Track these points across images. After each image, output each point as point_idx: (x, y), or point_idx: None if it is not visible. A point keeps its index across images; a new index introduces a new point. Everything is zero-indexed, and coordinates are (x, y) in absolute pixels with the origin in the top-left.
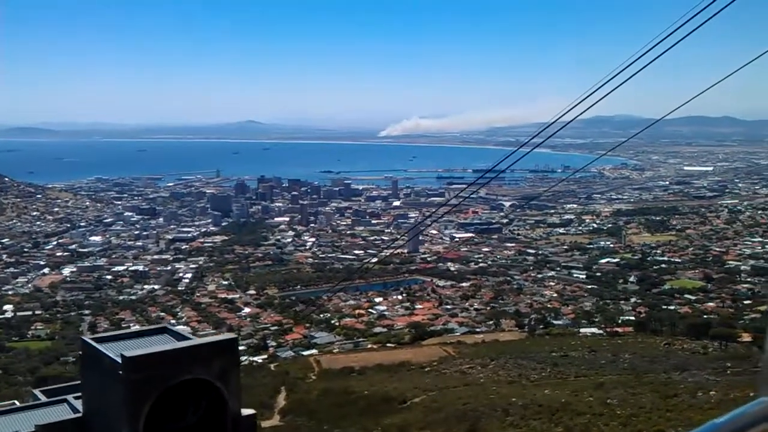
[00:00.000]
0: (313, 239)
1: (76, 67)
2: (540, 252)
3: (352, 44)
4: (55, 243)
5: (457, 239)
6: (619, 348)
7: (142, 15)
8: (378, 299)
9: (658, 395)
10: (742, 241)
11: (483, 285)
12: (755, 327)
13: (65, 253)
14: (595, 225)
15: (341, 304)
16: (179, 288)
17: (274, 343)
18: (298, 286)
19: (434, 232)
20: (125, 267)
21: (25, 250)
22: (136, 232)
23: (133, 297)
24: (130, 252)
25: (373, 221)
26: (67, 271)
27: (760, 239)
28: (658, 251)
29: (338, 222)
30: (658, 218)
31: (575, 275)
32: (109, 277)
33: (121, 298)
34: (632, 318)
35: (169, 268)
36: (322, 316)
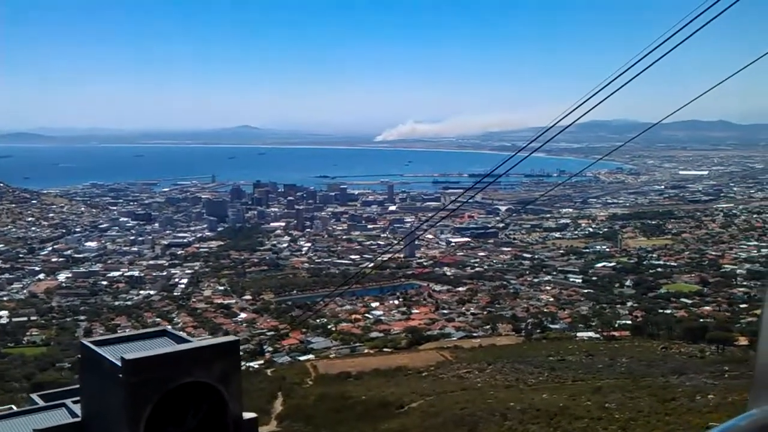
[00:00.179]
0: (309, 244)
1: (73, 72)
2: (536, 256)
3: (348, 49)
4: (50, 248)
5: (453, 244)
6: (616, 352)
7: (139, 21)
8: (374, 304)
9: (656, 399)
10: (737, 244)
11: (479, 289)
12: (752, 331)
13: (60, 259)
14: (591, 229)
15: (337, 309)
16: (175, 293)
17: (270, 349)
18: (294, 291)
19: (430, 236)
20: (121, 272)
21: (20, 255)
22: (132, 238)
23: (129, 302)
24: (126, 257)
25: (369, 226)
26: (62, 276)
27: (755, 243)
28: (654, 255)
29: (334, 227)
30: (653, 222)
31: (571, 279)
32: (104, 282)
33: (116, 303)
34: (629, 322)
35: (164, 273)
36: (318, 321)
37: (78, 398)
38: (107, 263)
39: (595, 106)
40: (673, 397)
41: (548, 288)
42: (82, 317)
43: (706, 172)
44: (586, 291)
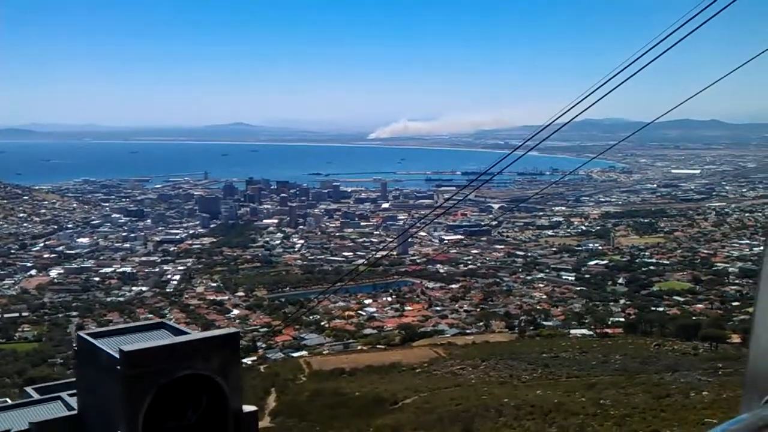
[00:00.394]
0: (302, 241)
1: (67, 69)
2: (529, 254)
3: (342, 47)
4: (42, 245)
5: (446, 241)
6: (609, 349)
7: (134, 17)
8: (367, 301)
9: (650, 396)
10: (729, 243)
11: (472, 287)
12: (744, 328)
13: (52, 255)
14: (583, 227)
15: (331, 305)
16: (167, 290)
17: (263, 345)
18: (287, 288)
19: (423, 234)
20: (113, 269)
21: (12, 251)
22: (124, 234)
23: (121, 299)
24: (118, 254)
25: (362, 223)
26: (54, 272)
27: (747, 242)
28: (647, 253)
29: (327, 224)
30: (646, 221)
31: (564, 277)
32: (96, 278)
33: (108, 299)
34: (622, 319)
35: (157, 269)
36: (311, 317)
37: (74, 391)
38: (99, 259)
39: (591, 105)
40: (667, 393)
41: (541, 285)
42: (74, 313)
43: (698, 171)
44: (578, 288)
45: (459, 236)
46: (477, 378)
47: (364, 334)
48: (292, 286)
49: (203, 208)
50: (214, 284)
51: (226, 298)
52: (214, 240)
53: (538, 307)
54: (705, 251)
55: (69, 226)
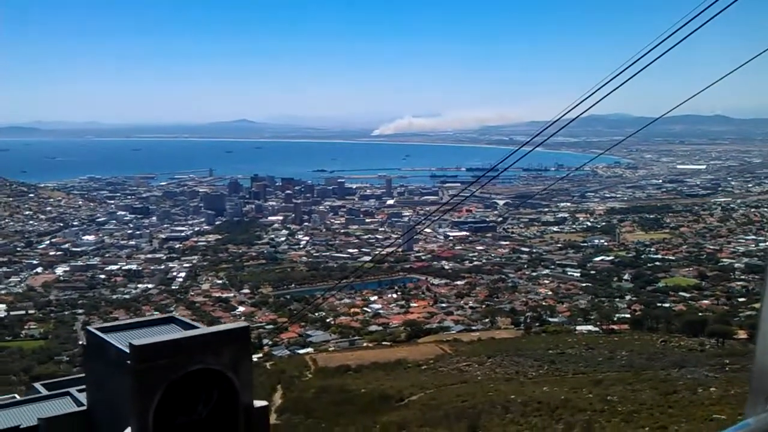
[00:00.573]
0: (307, 238)
1: (70, 67)
2: (534, 250)
3: (345, 43)
4: (47, 242)
5: (451, 238)
6: (615, 345)
7: (137, 15)
8: (373, 297)
9: (657, 392)
10: (735, 238)
11: (478, 283)
12: (751, 324)
13: (58, 253)
14: (588, 223)
15: (336, 302)
16: (173, 287)
17: (269, 342)
18: (293, 285)
19: (428, 230)
20: (119, 266)
21: (18, 249)
22: (130, 231)
23: (127, 296)
24: (124, 251)
25: (366, 220)
26: (60, 270)
27: (753, 237)
28: (652, 249)
29: (332, 221)
30: (651, 216)
31: (570, 273)
32: (102, 276)
33: (114, 297)
34: (628, 315)
35: (162, 267)
36: (317, 314)
37: (83, 386)
38: (105, 257)
39: (598, 102)
40: (674, 389)
41: (546, 282)
42: (80, 311)
43: (703, 167)
44: (584, 285)
45: (464, 232)
46: (483, 374)
47: (369, 330)
48: (298, 283)
49: (208, 205)
50: (220, 281)
51: (232, 295)
52: (220, 237)
53: (543, 304)
54: (711, 247)
55: (75, 223)
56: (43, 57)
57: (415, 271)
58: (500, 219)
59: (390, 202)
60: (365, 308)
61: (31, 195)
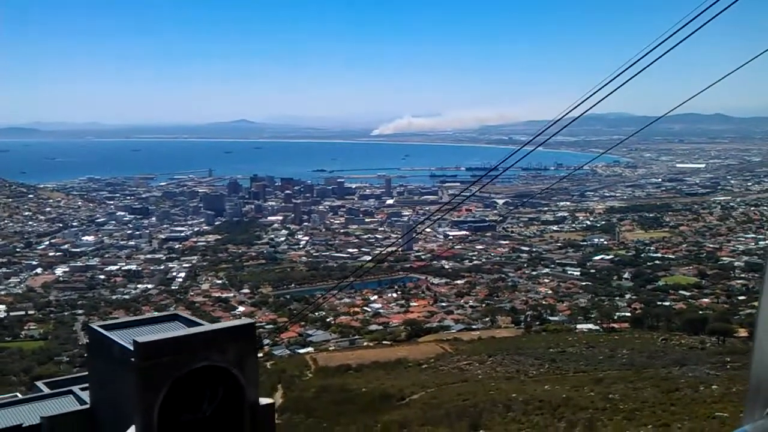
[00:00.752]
0: (307, 238)
1: (70, 67)
2: (534, 249)
3: (345, 43)
4: (47, 243)
5: (451, 237)
6: (616, 344)
7: (136, 16)
8: (373, 297)
9: (659, 390)
10: (735, 237)
11: (477, 282)
12: (751, 323)
13: (58, 253)
14: (588, 222)
15: (336, 302)
16: (173, 287)
17: (269, 342)
18: (293, 285)
19: (428, 230)
20: (118, 267)
21: (18, 250)
22: (129, 232)
23: (127, 296)
24: (123, 251)
25: (366, 220)
26: (59, 271)
27: (753, 235)
28: (652, 248)
29: (332, 220)
30: (651, 215)
31: (569, 272)
32: (102, 276)
33: (114, 297)
34: (628, 314)
35: (162, 267)
36: (317, 314)
37: (86, 385)
38: (104, 257)
39: (599, 102)
40: (676, 387)
41: (546, 281)
42: (80, 311)
43: (703, 165)
44: (584, 283)
45: (464, 232)
46: (484, 373)
47: (369, 330)
48: (297, 283)
49: (208, 206)
50: (220, 281)
51: (232, 295)
52: (219, 237)
53: (543, 303)
54: (710, 245)
55: (74, 224)
56: (43, 58)
57: (414, 270)
58: (500, 218)
59: (389, 201)
60: (365, 308)
61: (31, 196)
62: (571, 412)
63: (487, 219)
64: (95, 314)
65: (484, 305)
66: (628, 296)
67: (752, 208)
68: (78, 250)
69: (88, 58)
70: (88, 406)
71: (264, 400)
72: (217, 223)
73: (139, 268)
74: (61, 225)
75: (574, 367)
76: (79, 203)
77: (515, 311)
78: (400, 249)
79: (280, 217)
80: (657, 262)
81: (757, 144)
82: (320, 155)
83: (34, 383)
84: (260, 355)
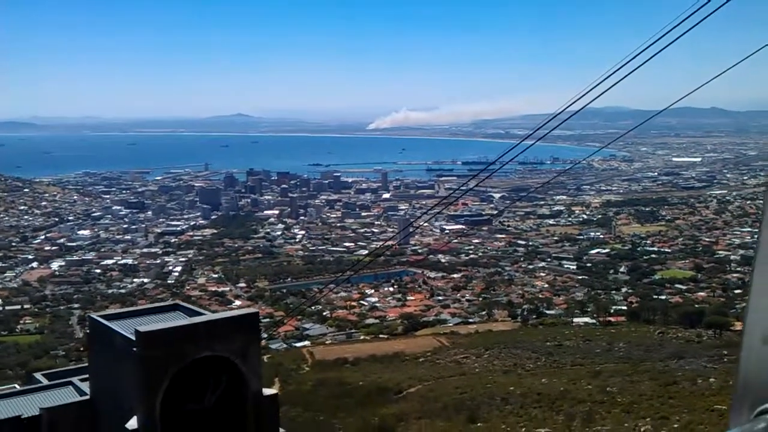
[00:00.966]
0: (303, 232)
1: (66, 61)
2: (530, 243)
3: (342, 37)
4: (43, 237)
5: (448, 231)
6: (613, 337)
7: (133, 9)
8: (369, 291)
9: (657, 383)
10: (731, 231)
11: (474, 276)
12: None
13: (53, 247)
14: (584, 216)
15: (332, 295)
16: (169, 281)
17: (266, 335)
18: (289, 279)
19: (424, 224)
20: (114, 261)
21: (13, 244)
22: (125, 226)
23: (123, 290)
24: (119, 246)
25: (363, 213)
26: (55, 265)
27: (749, 229)
28: (648, 242)
29: (328, 214)
30: (647, 209)
31: (566, 266)
32: (98, 270)
33: (110, 291)
34: (624, 307)
35: (158, 261)
36: (313, 307)
37: (86, 376)
38: (100, 251)
39: (598, 97)
40: (674, 380)
41: (543, 274)
42: (76, 305)
43: (699, 159)
44: (580, 277)
45: (460, 226)
46: (481, 367)
47: (366, 324)
48: (294, 277)
49: (204, 200)
50: (216, 275)
51: (228, 289)
52: (215, 231)
53: (540, 296)
54: (706, 239)
55: (70, 218)
56: (40, 52)
57: (411, 264)
58: (496, 212)
59: (386, 195)
60: (362, 301)
61: (26, 190)
62: (569, 405)
63: (483, 213)
64: (91, 308)
65: (480, 299)
66: (624, 290)
67: (748, 202)
68: (74, 244)
69: (84, 52)
70: (88, 397)
71: (268, 391)
72: (213, 217)
73: (135, 262)
74: (57, 219)
75: (571, 360)
76: (75, 197)
77: (512, 305)
78: (396, 243)
79: (277, 211)
80: (653, 255)
81: (753, 138)
82: (317, 149)
83: (31, 375)
84: None
